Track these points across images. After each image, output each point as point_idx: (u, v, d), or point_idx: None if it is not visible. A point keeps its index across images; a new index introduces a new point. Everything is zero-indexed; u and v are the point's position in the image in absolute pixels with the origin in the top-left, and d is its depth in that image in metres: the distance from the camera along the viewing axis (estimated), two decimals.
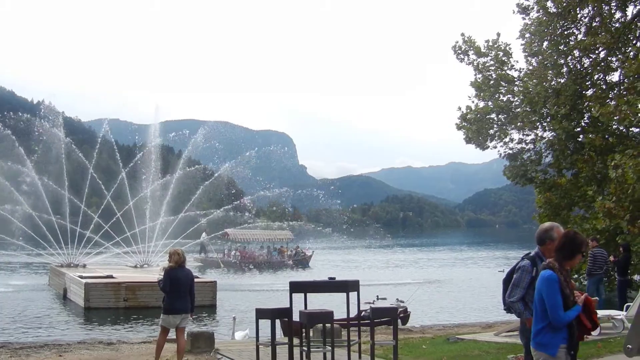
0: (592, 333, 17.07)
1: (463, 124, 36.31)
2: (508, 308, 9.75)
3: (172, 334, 15.10)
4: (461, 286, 46.45)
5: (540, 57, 34.22)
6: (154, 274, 33.82)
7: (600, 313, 18.20)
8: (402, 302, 27.75)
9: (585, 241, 8.21)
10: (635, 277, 30.39)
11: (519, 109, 34.89)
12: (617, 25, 32.14)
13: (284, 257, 69.60)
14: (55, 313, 32.19)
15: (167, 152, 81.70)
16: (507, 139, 36.00)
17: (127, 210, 52.64)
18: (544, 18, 33.39)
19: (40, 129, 52.48)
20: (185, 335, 15.62)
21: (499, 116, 35.77)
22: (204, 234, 65.32)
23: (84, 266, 44.11)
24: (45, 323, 28.48)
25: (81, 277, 34.94)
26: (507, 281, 9.87)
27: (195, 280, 16.09)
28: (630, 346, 8.16)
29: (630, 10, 32.22)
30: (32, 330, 26.55)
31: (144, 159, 55.87)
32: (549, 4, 33.16)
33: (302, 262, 69.46)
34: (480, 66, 36.07)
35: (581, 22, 33.38)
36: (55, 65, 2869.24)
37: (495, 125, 35.88)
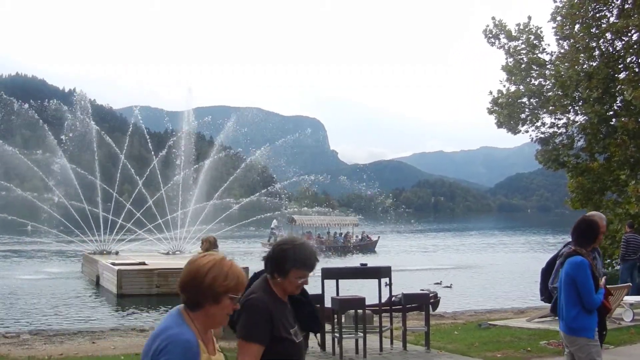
0: (625, 320, 17.05)
1: (494, 108, 36.13)
2: (548, 296, 9.73)
3: None
4: (496, 271, 46.11)
5: (571, 40, 33.90)
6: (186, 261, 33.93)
7: (634, 299, 18.08)
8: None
9: (598, 222, 8.31)
10: None
11: (550, 93, 34.64)
12: None
13: (350, 242, 69.97)
14: (88, 300, 32.38)
15: (199, 139, 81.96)
16: (538, 123, 35.81)
17: (159, 198, 52.82)
18: (576, 0, 33.07)
19: (72, 117, 52.63)
20: None
21: (531, 100, 35.56)
22: (274, 221, 66.35)
23: (117, 253, 44.32)
24: (79, 310, 28.65)
25: (114, 264, 35.09)
26: (546, 271, 9.86)
27: None
28: None
29: None
30: (65, 317, 26.74)
31: (175, 145, 55.98)
32: None
33: (367, 247, 69.76)
34: (511, 50, 35.85)
35: (613, 4, 33.03)
36: (86, 54, 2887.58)
37: (526, 109, 35.68)
